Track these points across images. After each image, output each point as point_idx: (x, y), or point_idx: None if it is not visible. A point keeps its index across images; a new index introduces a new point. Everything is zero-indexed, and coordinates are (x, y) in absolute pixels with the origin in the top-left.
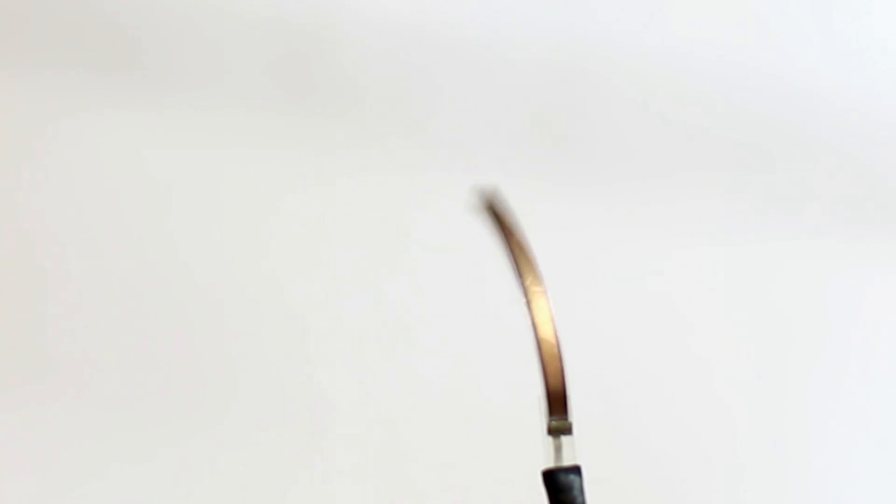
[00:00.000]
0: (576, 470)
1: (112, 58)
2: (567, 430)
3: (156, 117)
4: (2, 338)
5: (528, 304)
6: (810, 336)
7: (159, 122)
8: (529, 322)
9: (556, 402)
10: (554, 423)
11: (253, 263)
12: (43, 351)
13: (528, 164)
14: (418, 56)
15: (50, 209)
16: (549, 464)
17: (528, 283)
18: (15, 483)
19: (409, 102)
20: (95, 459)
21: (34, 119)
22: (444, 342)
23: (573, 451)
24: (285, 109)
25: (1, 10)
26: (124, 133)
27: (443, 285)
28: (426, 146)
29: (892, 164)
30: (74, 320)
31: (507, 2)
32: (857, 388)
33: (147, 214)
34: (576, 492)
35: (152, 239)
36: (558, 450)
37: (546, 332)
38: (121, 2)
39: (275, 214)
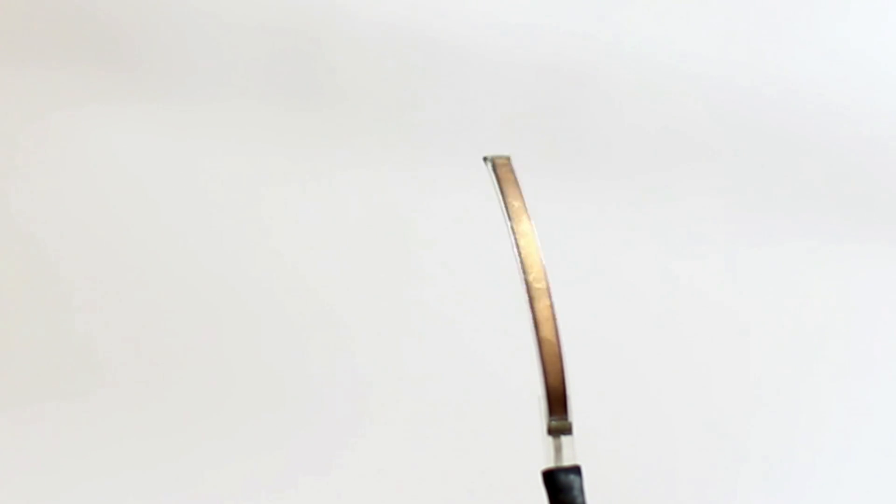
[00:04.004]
0: (576, 470)
1: (106, 53)
2: (567, 430)
3: (150, 113)
4: None
5: (530, 301)
6: (811, 337)
7: (153, 117)
8: (530, 321)
9: (557, 401)
10: (554, 423)
11: (250, 259)
12: (40, 349)
13: (527, 164)
14: (416, 54)
15: (42, 204)
16: (549, 464)
17: (531, 279)
18: (26, 485)
19: (407, 99)
20: (109, 460)
21: (27, 114)
22: (443, 341)
23: (573, 451)
24: (282, 105)
25: None
26: (118, 128)
27: (442, 284)
28: (424, 143)
29: (891, 164)
30: (70, 317)
31: (503, 4)
32: (858, 389)
33: (141, 210)
34: (576, 492)
35: (146, 234)
36: (558, 450)
37: (547, 332)
38: None
39: (272, 210)
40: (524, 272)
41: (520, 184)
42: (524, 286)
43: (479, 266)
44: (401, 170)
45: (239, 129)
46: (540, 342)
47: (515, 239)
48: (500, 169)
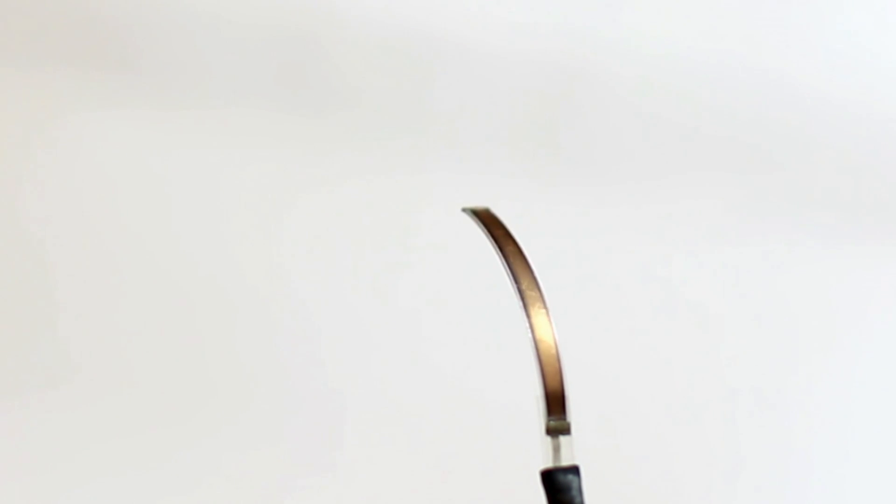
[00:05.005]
0: (574, 470)
1: (112, 57)
2: (565, 431)
3: (156, 117)
4: (1, 339)
5: (525, 306)
6: (811, 337)
7: (159, 122)
8: (527, 322)
9: (555, 402)
10: (552, 423)
11: (254, 263)
12: (45, 350)
13: (527, 165)
14: (416, 58)
15: (50, 209)
16: (548, 464)
17: (524, 286)
18: (25, 485)
19: (408, 104)
20: (103, 461)
21: (35, 118)
22: (442, 342)
23: (571, 451)
24: (285, 110)
25: (1, 9)
26: (125, 133)
27: (442, 287)
28: (425, 147)
29: (892, 164)
30: (73, 320)
31: (503, 4)
32: (859, 389)
33: (147, 214)
34: (574, 492)
35: (153, 239)
36: (557, 450)
37: (544, 333)
38: (120, 2)
39: (275, 215)
40: (517, 282)
41: (499, 218)
42: (518, 293)
43: (480, 266)
44: (401, 174)
45: (244, 134)
46: (537, 343)
47: (505, 259)
48: (484, 216)
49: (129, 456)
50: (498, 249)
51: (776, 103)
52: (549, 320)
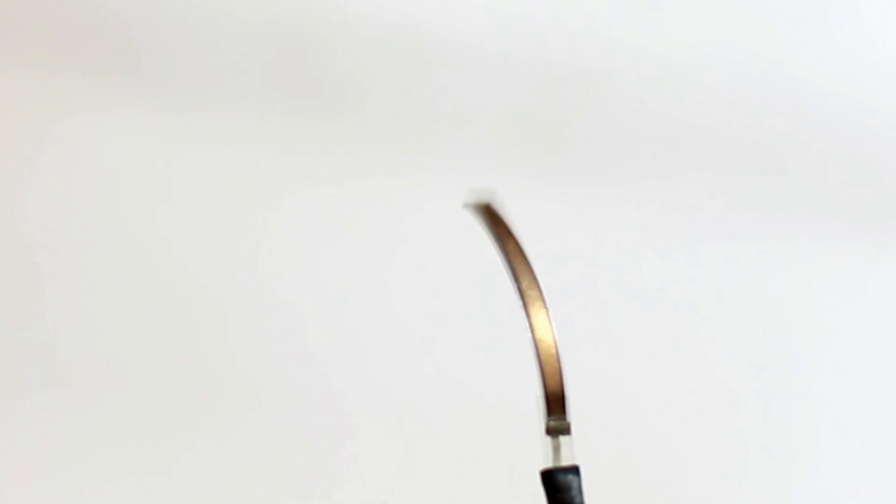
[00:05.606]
0: (574, 470)
1: (113, 60)
2: (565, 431)
3: (156, 119)
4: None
5: (525, 305)
6: (810, 337)
7: (159, 123)
8: (527, 323)
9: (555, 402)
10: (552, 423)
11: (253, 264)
12: (42, 354)
13: (528, 166)
14: (416, 58)
15: (51, 211)
16: (548, 464)
17: (524, 286)
18: (24, 490)
19: (407, 104)
20: (102, 466)
21: (36, 120)
22: (442, 343)
23: (571, 451)
24: (284, 111)
25: (3, 11)
26: (125, 135)
27: (441, 287)
28: (424, 147)
29: (891, 164)
30: (74, 322)
31: (504, 3)
32: (857, 389)
33: (148, 216)
34: (574, 492)
35: (153, 240)
36: (556, 450)
37: (543, 333)
38: (122, 3)
39: (274, 216)
40: (517, 280)
41: (503, 209)
42: (518, 293)
43: (479, 265)
44: (401, 174)
45: (244, 135)
46: (537, 343)
47: (506, 255)
48: (482, 205)
49: (125, 461)
50: (499, 247)
51: (777, 103)
52: (549, 320)
